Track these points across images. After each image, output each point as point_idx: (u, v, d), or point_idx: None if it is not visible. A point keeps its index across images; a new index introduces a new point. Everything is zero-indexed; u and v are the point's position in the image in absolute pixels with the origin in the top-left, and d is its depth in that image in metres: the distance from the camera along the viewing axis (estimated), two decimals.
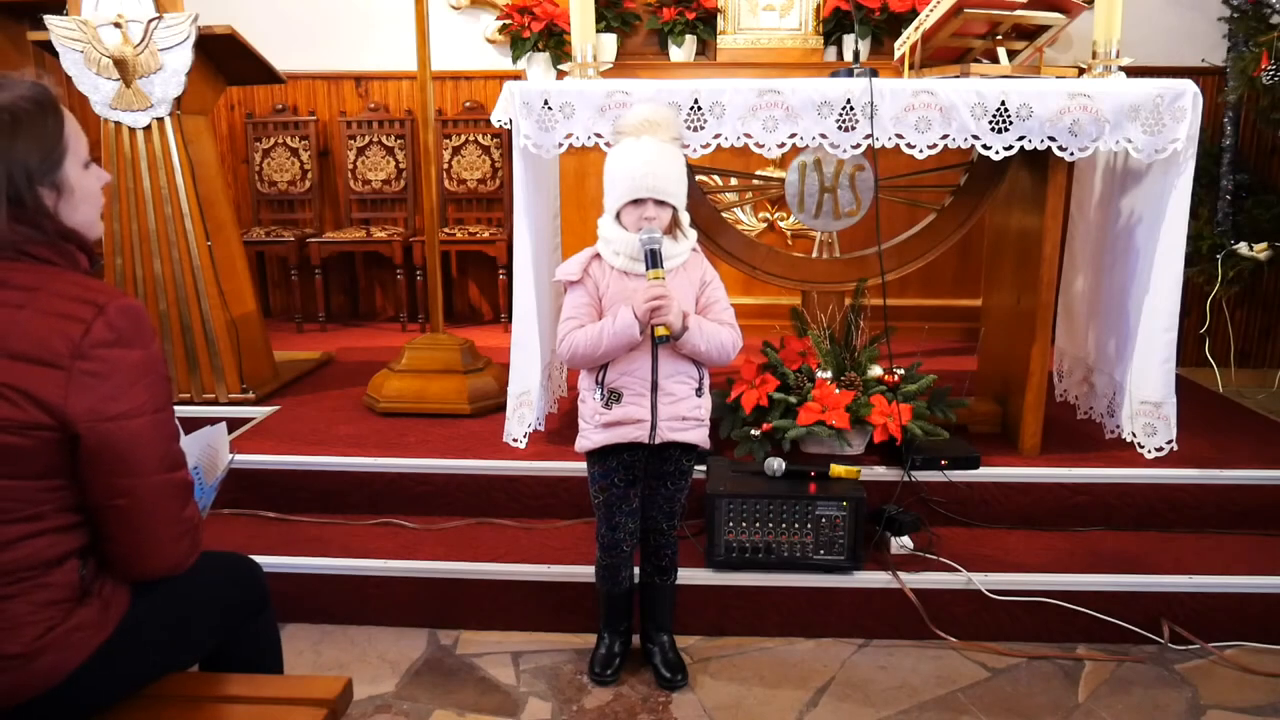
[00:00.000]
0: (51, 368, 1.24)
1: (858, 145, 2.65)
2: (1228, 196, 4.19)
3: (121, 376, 1.29)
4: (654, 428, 2.06)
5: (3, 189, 1.26)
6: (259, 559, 1.72)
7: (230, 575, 1.62)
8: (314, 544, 2.65)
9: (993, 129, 2.60)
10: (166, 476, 1.36)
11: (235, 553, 1.68)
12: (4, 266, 1.29)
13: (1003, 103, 2.57)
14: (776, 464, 2.52)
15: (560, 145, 2.68)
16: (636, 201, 2.01)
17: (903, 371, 2.85)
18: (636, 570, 2.29)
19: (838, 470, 2.52)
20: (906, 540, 2.56)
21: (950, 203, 3.01)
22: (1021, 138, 2.60)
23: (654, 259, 1.97)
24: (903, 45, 3.07)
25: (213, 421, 1.77)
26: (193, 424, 1.75)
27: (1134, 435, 2.80)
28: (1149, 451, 2.77)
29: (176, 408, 3.32)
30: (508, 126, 2.71)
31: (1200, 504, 2.76)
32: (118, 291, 1.32)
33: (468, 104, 4.94)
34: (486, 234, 4.71)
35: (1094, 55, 2.77)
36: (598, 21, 4.35)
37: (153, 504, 1.34)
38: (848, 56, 4.54)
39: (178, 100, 3.24)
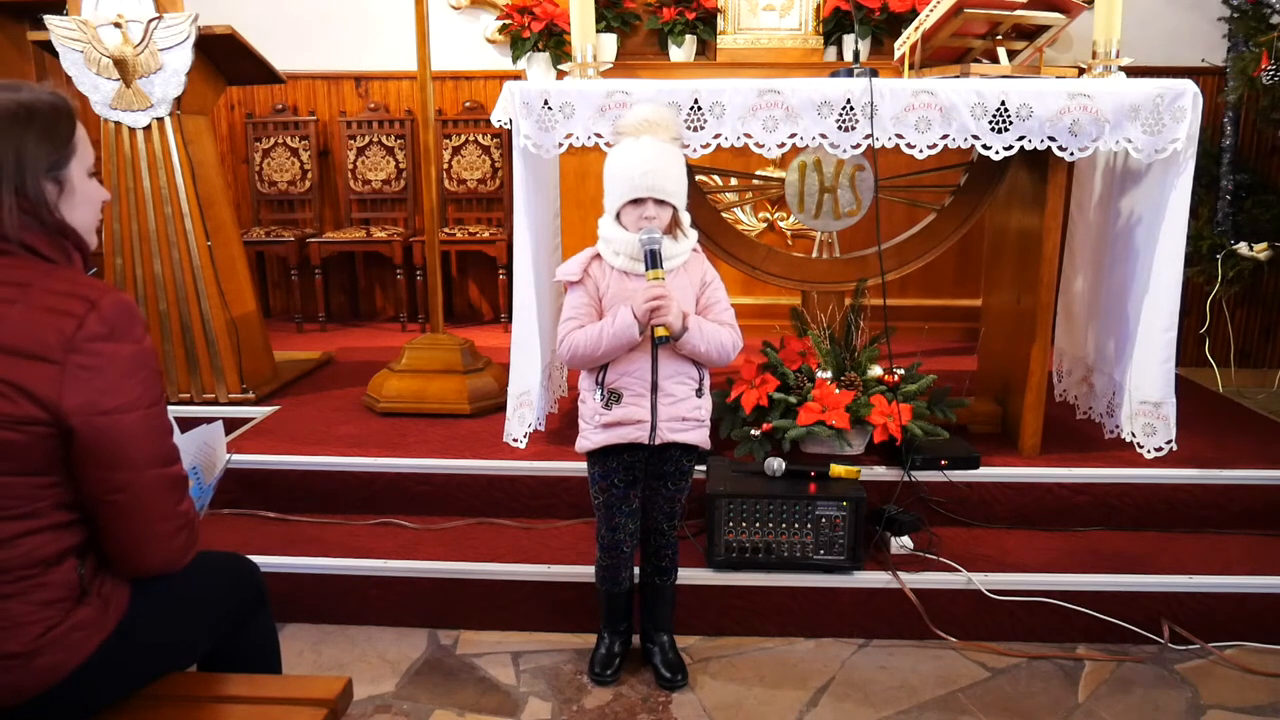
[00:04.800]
0: (45, 362, 1.25)
1: (858, 145, 2.65)
2: (1228, 196, 4.19)
3: (115, 370, 1.29)
4: (654, 428, 2.06)
5: (10, 173, 1.29)
6: (259, 559, 1.73)
7: (228, 575, 1.62)
8: (314, 544, 2.65)
9: (993, 129, 2.60)
10: (161, 471, 1.37)
11: (232, 553, 1.68)
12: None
13: (1003, 103, 2.58)
14: (776, 464, 2.52)
15: (560, 145, 2.68)
16: (636, 201, 2.01)
17: (903, 371, 2.85)
18: (636, 570, 2.30)
19: (838, 470, 2.52)
20: (906, 540, 2.56)
21: (950, 203, 3.01)
22: (1021, 138, 2.60)
23: (654, 259, 1.97)
24: (903, 45, 3.07)
25: (211, 421, 1.77)
26: (192, 424, 1.75)
27: (1134, 435, 2.80)
28: (1149, 451, 2.77)
29: (176, 408, 3.34)
30: (508, 126, 2.72)
31: (1200, 504, 2.76)
32: (111, 287, 1.33)
33: (468, 104, 4.94)
34: (486, 234, 4.71)
35: (1094, 55, 2.77)
36: (598, 21, 4.35)
37: (148, 499, 1.35)
38: (848, 56, 4.54)
39: (178, 100, 3.24)
